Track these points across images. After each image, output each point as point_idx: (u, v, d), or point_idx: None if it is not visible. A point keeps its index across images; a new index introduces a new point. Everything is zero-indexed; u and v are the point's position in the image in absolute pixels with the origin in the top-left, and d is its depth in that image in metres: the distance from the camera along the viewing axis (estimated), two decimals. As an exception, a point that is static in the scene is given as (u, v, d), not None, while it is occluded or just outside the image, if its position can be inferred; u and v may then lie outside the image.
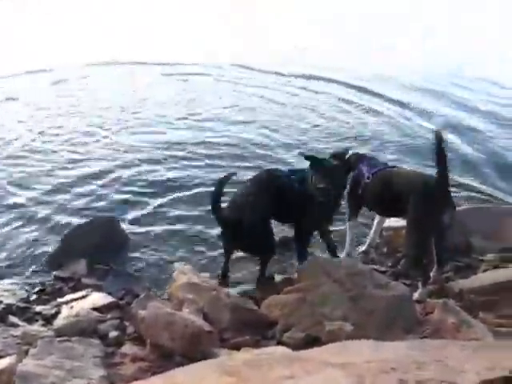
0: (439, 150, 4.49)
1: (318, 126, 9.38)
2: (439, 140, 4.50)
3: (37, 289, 4.90)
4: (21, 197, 6.58)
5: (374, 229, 5.45)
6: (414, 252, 4.71)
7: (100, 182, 7.02)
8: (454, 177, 6.51)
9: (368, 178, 4.95)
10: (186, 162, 7.68)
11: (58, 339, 3.57)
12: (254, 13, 19.37)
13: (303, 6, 20.26)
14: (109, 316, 4.23)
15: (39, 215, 6.17)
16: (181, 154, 7.94)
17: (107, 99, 10.50)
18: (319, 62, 13.19)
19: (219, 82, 11.87)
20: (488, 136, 9.15)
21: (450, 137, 8.34)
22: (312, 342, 3.75)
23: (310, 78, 12.15)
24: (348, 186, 5.11)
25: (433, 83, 12.01)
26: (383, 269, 5.14)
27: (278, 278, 4.98)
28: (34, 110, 9.81)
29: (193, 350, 3.53)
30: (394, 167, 5.17)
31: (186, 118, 9.50)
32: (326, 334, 3.75)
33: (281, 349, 3.16)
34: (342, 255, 5.18)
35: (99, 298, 4.48)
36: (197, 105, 10.28)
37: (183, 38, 15.15)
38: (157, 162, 7.66)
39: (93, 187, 6.90)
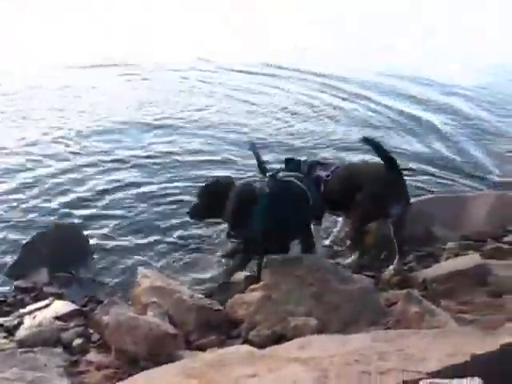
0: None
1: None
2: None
3: (-1, 299, 4.80)
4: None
5: (339, 225, 5.54)
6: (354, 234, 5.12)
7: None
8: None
9: (328, 176, 5.05)
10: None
11: (20, 350, 3.51)
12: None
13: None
14: (72, 324, 4.15)
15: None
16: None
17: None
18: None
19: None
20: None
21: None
22: (278, 339, 3.75)
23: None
24: None
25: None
26: (346, 262, 5.17)
27: (241, 275, 4.96)
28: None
29: (157, 353, 3.50)
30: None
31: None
32: (291, 331, 3.75)
33: (244, 347, 3.15)
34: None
35: (62, 307, 4.39)
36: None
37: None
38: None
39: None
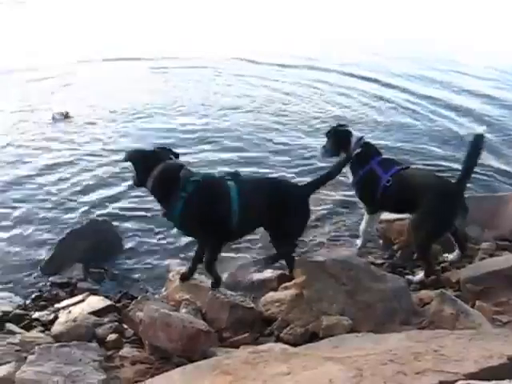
0: (473, 154, 4.64)
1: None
2: (476, 144, 4.66)
3: (34, 295, 4.88)
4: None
5: (366, 225, 5.38)
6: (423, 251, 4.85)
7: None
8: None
9: (388, 181, 4.92)
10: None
11: (56, 345, 3.55)
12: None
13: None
14: (106, 319, 4.22)
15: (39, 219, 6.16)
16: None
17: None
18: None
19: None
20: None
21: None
22: (310, 337, 3.76)
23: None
24: (359, 183, 5.18)
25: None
26: (379, 261, 5.15)
27: (273, 273, 4.96)
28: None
29: (191, 350, 3.53)
30: (407, 168, 5.13)
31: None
32: (324, 329, 3.75)
33: (278, 345, 3.15)
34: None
35: (96, 302, 4.45)
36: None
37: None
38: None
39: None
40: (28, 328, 4.26)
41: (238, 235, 4.51)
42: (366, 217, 5.33)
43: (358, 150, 5.04)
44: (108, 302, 4.46)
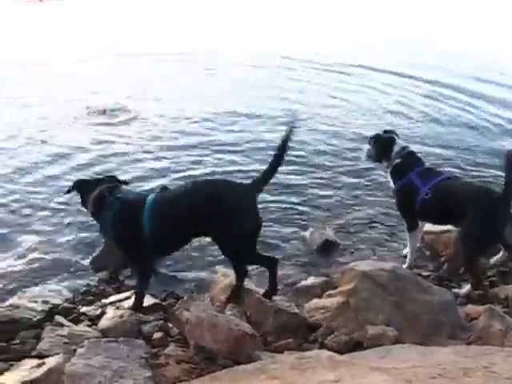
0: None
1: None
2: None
3: (82, 290, 4.97)
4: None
5: (411, 244, 5.23)
6: (470, 260, 4.77)
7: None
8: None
9: (427, 194, 4.85)
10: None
11: (105, 340, 3.62)
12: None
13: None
14: (152, 317, 4.28)
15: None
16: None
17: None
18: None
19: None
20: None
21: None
22: (354, 346, 3.76)
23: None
24: (398, 195, 5.14)
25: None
26: (426, 273, 5.09)
27: (317, 280, 4.96)
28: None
29: (237, 352, 3.54)
30: (449, 178, 5.06)
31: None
32: (369, 339, 3.74)
33: (325, 352, 3.15)
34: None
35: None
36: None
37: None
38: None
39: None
40: (76, 321, 4.34)
41: (160, 251, 4.42)
42: (408, 236, 5.23)
43: (398, 160, 5.04)
44: (154, 300, 4.52)
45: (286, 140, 4.19)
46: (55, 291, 4.85)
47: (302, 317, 4.18)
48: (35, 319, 4.31)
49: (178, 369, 3.56)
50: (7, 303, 4.53)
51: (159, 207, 4.13)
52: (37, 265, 5.13)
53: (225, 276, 4.55)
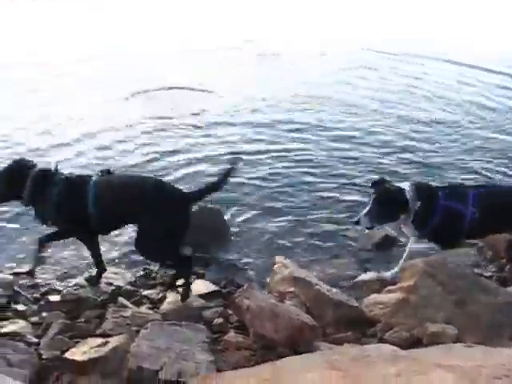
0: None
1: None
2: None
3: (143, 273, 5.09)
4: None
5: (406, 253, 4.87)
6: None
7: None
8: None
9: (474, 213, 4.50)
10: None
11: (168, 322, 3.72)
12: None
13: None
14: (212, 304, 4.36)
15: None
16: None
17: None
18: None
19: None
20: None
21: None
22: (414, 342, 3.75)
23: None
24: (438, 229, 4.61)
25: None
26: (488, 274, 5.02)
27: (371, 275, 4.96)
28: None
29: (296, 342, 3.59)
30: (482, 187, 4.88)
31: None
32: (429, 336, 3.73)
33: (386, 347, 3.16)
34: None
35: (203, 286, 4.61)
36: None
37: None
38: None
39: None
40: (137, 304, 4.46)
41: (101, 230, 4.58)
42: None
43: (418, 204, 4.50)
44: (214, 287, 4.61)
45: (228, 174, 4.39)
46: (119, 273, 4.97)
47: (361, 310, 4.19)
48: (99, 299, 4.45)
49: (238, 355, 3.63)
50: (74, 282, 4.70)
51: (105, 192, 4.33)
52: (102, 248, 5.26)
53: (284, 266, 4.59)
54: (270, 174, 7.14)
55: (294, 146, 8.03)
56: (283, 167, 7.36)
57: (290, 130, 8.63)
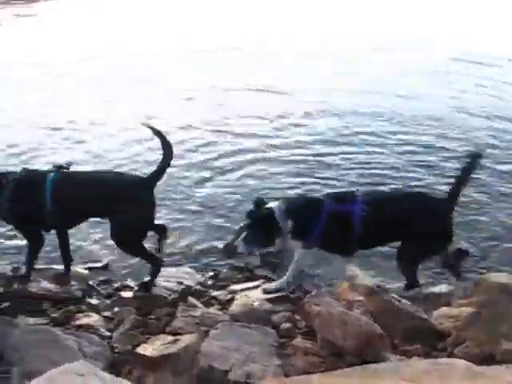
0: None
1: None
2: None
3: (212, 273, 5.17)
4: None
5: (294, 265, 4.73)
6: None
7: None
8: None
9: (364, 211, 4.51)
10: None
11: (238, 324, 3.77)
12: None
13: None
14: (280, 308, 4.39)
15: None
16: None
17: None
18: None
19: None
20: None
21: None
22: (487, 359, 3.66)
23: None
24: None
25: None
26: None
27: (448, 288, 4.88)
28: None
29: (365, 351, 3.56)
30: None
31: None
32: (503, 353, 3.62)
33: (460, 361, 3.10)
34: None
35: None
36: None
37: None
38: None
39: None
40: (207, 304, 4.54)
41: (58, 226, 4.71)
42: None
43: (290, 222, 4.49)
44: (283, 292, 4.63)
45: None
46: (189, 273, 5.08)
47: (430, 323, 4.12)
48: (170, 298, 4.55)
49: (306, 361, 3.63)
50: (145, 280, 4.80)
51: (62, 187, 4.46)
52: (171, 249, 5.37)
53: (352, 274, 4.56)
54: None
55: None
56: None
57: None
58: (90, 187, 4.51)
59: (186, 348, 3.56)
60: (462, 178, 4.67)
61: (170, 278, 4.81)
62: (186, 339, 3.71)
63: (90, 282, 4.97)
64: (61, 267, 4.99)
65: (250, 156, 7.76)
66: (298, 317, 4.24)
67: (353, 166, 7.47)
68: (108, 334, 4.12)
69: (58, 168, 4.59)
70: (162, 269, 4.78)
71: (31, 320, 4.25)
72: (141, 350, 3.68)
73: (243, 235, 4.61)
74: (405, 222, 4.60)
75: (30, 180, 4.54)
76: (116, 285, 5.01)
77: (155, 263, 4.71)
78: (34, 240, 4.73)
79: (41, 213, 4.45)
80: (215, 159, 7.68)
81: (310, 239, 4.55)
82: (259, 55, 12.84)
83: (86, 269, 5.18)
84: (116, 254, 5.24)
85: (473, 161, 4.68)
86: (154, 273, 4.71)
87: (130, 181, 4.65)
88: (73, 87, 10.66)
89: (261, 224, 4.48)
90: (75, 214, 4.66)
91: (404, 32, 14.97)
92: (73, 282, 4.93)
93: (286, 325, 4.09)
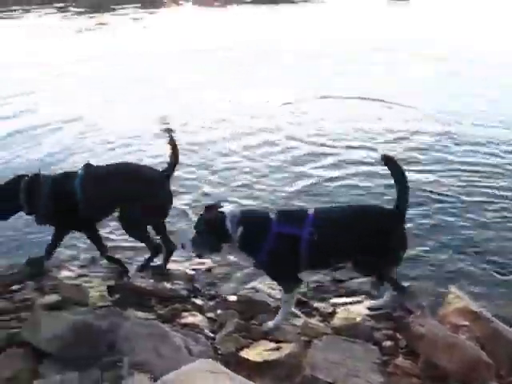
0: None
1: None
2: None
3: (314, 285, 5.19)
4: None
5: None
6: None
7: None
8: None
9: (312, 234, 4.05)
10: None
11: (342, 338, 3.80)
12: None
13: None
14: (382, 325, 4.36)
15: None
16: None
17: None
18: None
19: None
20: None
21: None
22: None
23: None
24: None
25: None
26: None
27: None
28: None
29: (469, 377, 3.51)
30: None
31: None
32: None
33: None
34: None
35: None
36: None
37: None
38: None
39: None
40: (308, 315, 4.57)
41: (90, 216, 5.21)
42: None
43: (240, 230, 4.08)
44: (385, 310, 4.60)
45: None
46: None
47: (539, 356, 3.99)
48: (273, 304, 4.62)
49: (407, 381, 3.62)
50: (250, 285, 4.91)
51: (91, 183, 4.98)
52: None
53: (458, 297, 4.47)
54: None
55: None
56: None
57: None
58: (114, 179, 5.03)
59: (289, 356, 3.64)
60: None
61: (273, 285, 4.87)
62: (288, 347, 3.79)
63: (195, 284, 5.13)
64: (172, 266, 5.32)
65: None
66: (399, 335, 4.21)
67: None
68: (211, 334, 4.24)
69: (86, 166, 5.11)
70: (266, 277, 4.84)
71: (140, 314, 4.44)
72: (244, 354, 3.78)
73: (192, 236, 4.30)
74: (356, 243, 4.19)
75: (63, 177, 5.13)
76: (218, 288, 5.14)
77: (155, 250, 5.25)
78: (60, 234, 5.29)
79: (74, 204, 4.96)
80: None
81: (260, 257, 4.20)
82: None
83: (191, 270, 5.35)
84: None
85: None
86: (167, 257, 5.31)
87: (150, 172, 5.12)
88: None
89: (207, 228, 4.20)
90: (102, 204, 5.11)
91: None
92: (178, 281, 5.10)
93: (388, 343, 4.07)
